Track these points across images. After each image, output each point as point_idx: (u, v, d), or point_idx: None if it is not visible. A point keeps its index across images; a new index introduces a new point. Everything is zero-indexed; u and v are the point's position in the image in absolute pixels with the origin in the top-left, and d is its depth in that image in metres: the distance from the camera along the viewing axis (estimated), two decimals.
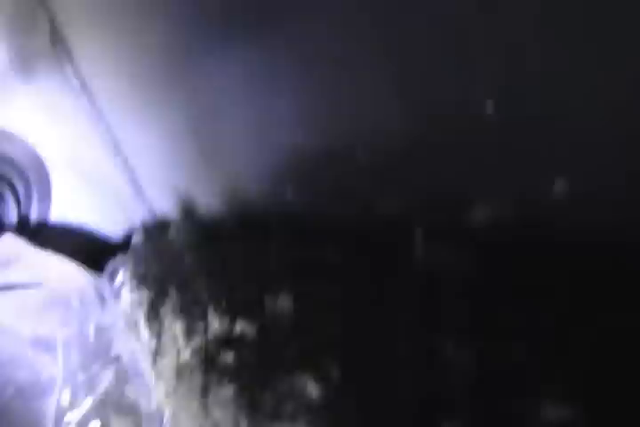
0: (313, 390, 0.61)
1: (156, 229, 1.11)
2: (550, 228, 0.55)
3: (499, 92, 0.52)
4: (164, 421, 0.88)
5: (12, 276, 1.07)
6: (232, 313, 0.73)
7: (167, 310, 0.83)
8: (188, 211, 1.00)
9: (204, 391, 0.70)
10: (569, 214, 0.54)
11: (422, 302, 0.61)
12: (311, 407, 0.60)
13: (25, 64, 1.10)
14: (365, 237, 0.70)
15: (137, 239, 1.11)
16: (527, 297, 0.55)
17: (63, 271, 1.10)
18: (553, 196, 0.53)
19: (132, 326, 0.92)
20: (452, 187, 0.60)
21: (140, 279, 0.95)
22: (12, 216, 1.15)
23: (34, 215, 1.18)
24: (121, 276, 1.02)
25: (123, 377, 1.04)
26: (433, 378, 0.56)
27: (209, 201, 0.96)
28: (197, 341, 0.75)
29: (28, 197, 1.17)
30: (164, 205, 1.09)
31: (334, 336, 0.65)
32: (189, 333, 0.77)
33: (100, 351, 1.05)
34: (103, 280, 1.10)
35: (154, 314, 0.86)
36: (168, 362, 0.80)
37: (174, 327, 0.79)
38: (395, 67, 0.58)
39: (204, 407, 0.70)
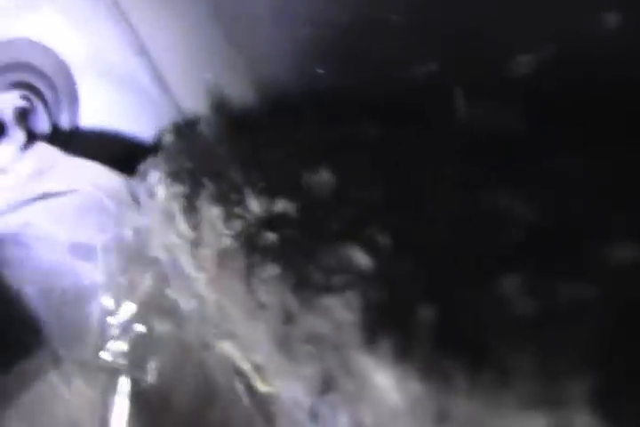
0: (362, 260, 0.58)
1: (187, 127, 1.08)
2: (600, 66, 0.51)
3: None
4: (207, 313, 0.87)
5: (47, 185, 1.06)
6: (270, 193, 0.71)
7: (203, 201, 0.81)
8: (218, 103, 0.97)
9: (248, 273, 0.68)
10: (621, 47, 0.50)
11: (469, 161, 0.57)
12: (362, 278, 0.57)
13: None
14: (402, 107, 0.67)
15: (167, 138, 1.08)
16: (579, 146, 0.52)
17: (97, 176, 1.09)
18: (602, 29, 0.49)
19: (169, 221, 0.90)
20: (492, 34, 0.56)
21: (174, 176, 0.92)
22: (43, 125, 1.13)
23: (64, 123, 1.16)
24: (154, 175, 1.00)
25: (162, 278, 1.04)
26: (488, 234, 0.53)
27: (238, 90, 0.93)
28: (237, 225, 0.73)
29: (57, 104, 1.15)
30: (193, 101, 1.06)
31: (379, 205, 0.62)
32: (228, 218, 0.74)
33: (138, 253, 1.05)
34: (136, 182, 1.08)
35: (190, 206, 0.84)
36: (208, 251, 0.78)
37: (212, 215, 0.77)
38: None
39: (249, 289, 0.68)
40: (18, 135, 1.06)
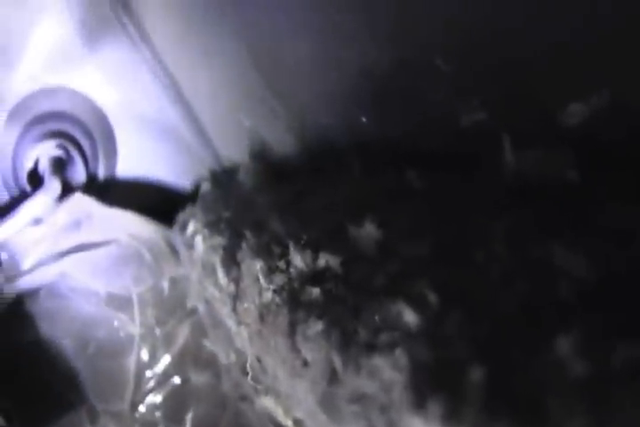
0: (410, 317, 0.56)
1: (225, 176, 1.07)
2: None
3: None
4: (247, 367, 0.85)
5: (84, 236, 1.06)
6: (314, 247, 0.69)
7: (244, 254, 0.80)
8: (257, 150, 0.96)
9: (291, 330, 0.66)
10: None
11: (519, 211, 0.55)
12: (410, 336, 0.55)
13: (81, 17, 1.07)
14: (449, 156, 0.66)
15: (205, 188, 1.08)
16: (635, 197, 0.50)
17: (134, 227, 1.09)
18: None
19: (209, 273, 0.89)
20: (543, 81, 0.55)
21: (212, 226, 0.91)
22: (80, 174, 1.14)
23: (101, 172, 1.16)
24: (192, 226, 0.99)
25: (200, 330, 1.03)
26: (541, 289, 0.51)
27: (277, 137, 0.92)
28: (280, 279, 0.71)
29: (95, 154, 1.15)
30: (232, 149, 1.06)
31: (426, 258, 0.61)
32: (270, 272, 0.73)
33: (175, 305, 1.04)
34: (174, 232, 1.08)
35: (230, 259, 0.83)
36: (249, 305, 0.77)
37: (253, 269, 0.75)
38: None
39: (293, 347, 0.66)
40: (54, 185, 1.06)
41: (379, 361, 0.56)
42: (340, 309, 0.64)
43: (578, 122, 0.56)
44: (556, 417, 0.44)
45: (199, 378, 1.07)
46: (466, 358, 0.51)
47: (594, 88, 0.53)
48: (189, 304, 1.06)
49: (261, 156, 0.96)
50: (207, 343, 1.05)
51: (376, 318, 0.59)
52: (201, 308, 1.02)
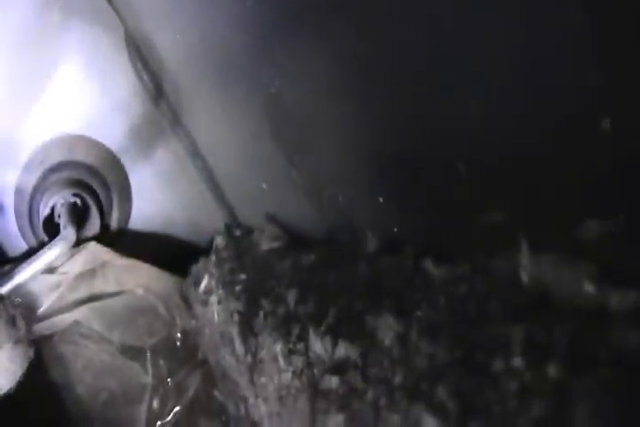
0: (429, 423, 0.58)
1: (239, 231, 1.09)
2: None
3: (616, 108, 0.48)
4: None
5: (99, 286, 1.08)
6: (333, 334, 0.71)
7: (262, 325, 0.81)
8: (273, 212, 0.98)
9: (312, 418, 0.68)
10: None
11: (536, 323, 0.57)
12: None
13: (98, 66, 1.08)
14: (466, 252, 0.67)
15: (220, 241, 1.09)
16: None
17: (148, 278, 1.10)
18: None
19: (226, 342, 0.90)
20: (562, 194, 0.56)
21: (228, 288, 0.93)
22: (95, 223, 1.15)
23: (115, 221, 1.18)
24: (206, 281, 1.01)
25: (210, 380, 1.05)
26: (557, 407, 0.53)
27: (295, 204, 0.94)
28: (298, 363, 0.73)
29: (110, 203, 1.17)
30: (247, 208, 1.07)
31: (446, 361, 0.62)
32: (289, 354, 0.74)
33: (187, 356, 1.06)
34: (188, 284, 1.09)
35: (248, 328, 0.84)
36: (268, 382, 0.78)
37: (272, 346, 0.77)
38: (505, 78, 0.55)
39: None
40: (69, 233, 1.07)
41: None
42: (360, 403, 0.66)
43: (594, 237, 0.57)
44: None
45: None
46: None
47: (610, 209, 0.55)
48: (200, 355, 1.07)
49: (277, 218, 0.98)
50: (217, 394, 1.06)
51: (395, 419, 0.61)
52: (212, 358, 1.04)
